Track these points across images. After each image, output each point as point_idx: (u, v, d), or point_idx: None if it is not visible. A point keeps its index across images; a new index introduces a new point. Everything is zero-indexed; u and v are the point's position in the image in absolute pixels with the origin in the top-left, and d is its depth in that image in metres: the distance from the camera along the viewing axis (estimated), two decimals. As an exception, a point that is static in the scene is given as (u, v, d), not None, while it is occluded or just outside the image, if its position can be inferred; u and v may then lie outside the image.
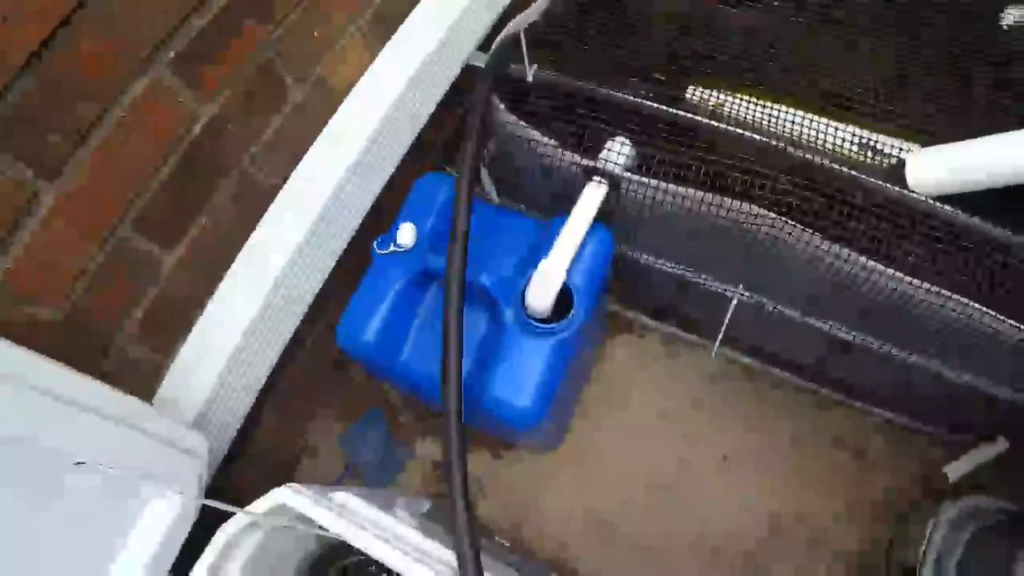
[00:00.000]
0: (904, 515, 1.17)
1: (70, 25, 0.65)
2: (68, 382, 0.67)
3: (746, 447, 1.21)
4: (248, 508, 0.78)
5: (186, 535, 0.81)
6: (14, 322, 0.69)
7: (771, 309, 0.98)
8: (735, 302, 0.97)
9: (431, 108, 1.04)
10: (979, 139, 0.83)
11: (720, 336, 1.00)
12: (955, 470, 1.16)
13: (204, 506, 0.83)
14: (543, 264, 0.83)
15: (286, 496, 0.79)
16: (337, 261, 1.00)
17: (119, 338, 0.82)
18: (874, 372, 1.06)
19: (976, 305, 0.84)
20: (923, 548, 1.05)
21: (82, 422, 0.67)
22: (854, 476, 1.19)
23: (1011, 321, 0.84)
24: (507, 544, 1.17)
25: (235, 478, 1.02)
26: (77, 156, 0.70)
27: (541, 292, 0.82)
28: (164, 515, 0.78)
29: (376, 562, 0.99)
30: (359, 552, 1.00)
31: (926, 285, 0.84)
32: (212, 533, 0.80)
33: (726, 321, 0.98)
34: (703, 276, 1.00)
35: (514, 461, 1.23)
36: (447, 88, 1.04)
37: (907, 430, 1.21)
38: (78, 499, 0.72)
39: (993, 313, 0.84)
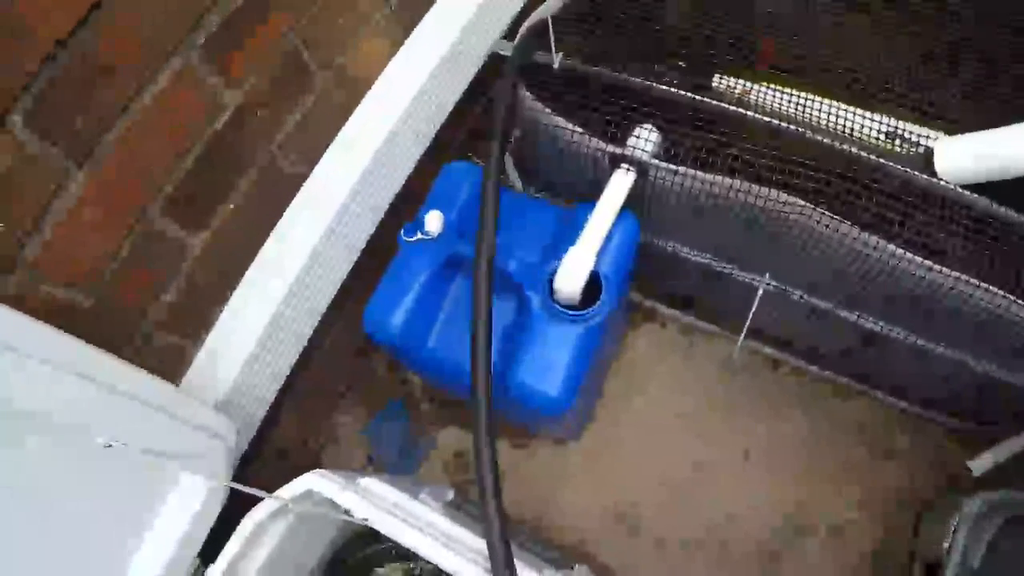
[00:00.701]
0: (927, 509, 1.16)
1: (101, 8, 0.65)
2: (96, 362, 0.66)
3: (766, 440, 1.21)
4: (276, 493, 0.78)
5: (214, 519, 0.81)
6: (42, 306, 0.69)
7: (797, 299, 0.97)
8: (761, 292, 0.96)
9: (455, 99, 1.04)
10: (1009, 127, 0.83)
11: (745, 329, 1.00)
12: (980, 465, 1.15)
13: (227, 504, 0.83)
14: (573, 250, 0.82)
15: (314, 481, 0.79)
16: (357, 257, 1.00)
17: (145, 324, 0.82)
18: (899, 363, 1.06)
19: (1004, 294, 0.83)
20: (947, 544, 1.04)
21: (110, 402, 0.67)
22: (874, 470, 1.19)
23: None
24: (527, 531, 1.16)
25: (253, 480, 1.02)
26: (106, 140, 0.70)
27: (571, 278, 0.81)
28: (192, 499, 0.78)
29: (392, 549, 1.00)
30: (378, 541, 1.01)
31: (954, 273, 0.83)
32: (235, 528, 0.80)
33: (752, 312, 0.98)
34: (729, 265, 0.99)
35: (534, 452, 1.22)
36: (471, 78, 1.04)
37: (928, 422, 1.20)
38: (107, 481, 0.72)
39: (1021, 303, 0.84)
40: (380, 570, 1.00)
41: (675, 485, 1.20)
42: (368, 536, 1.02)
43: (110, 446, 0.67)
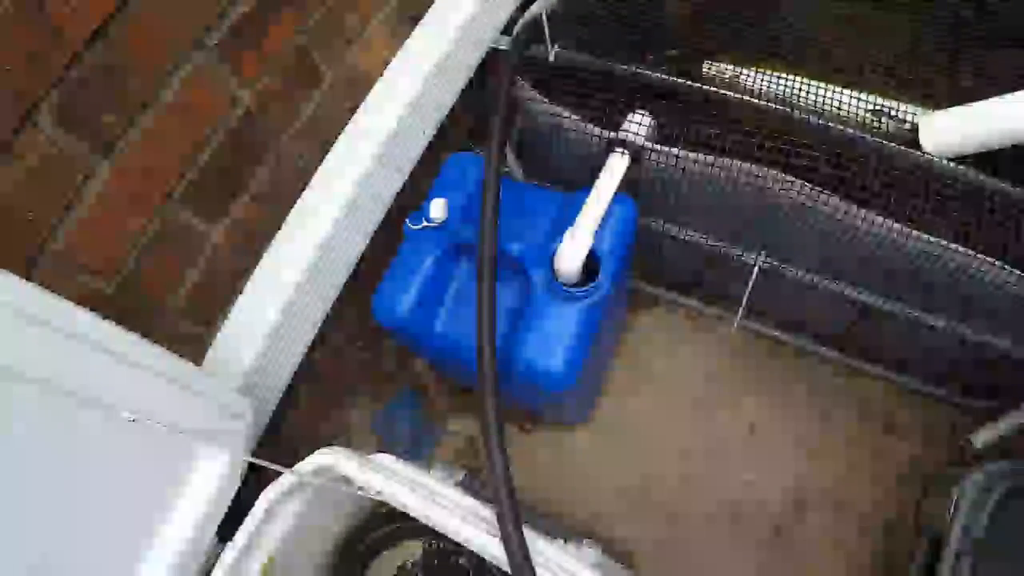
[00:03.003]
0: (930, 483, 1.18)
1: (123, 11, 0.70)
2: (123, 340, 0.70)
3: (771, 417, 1.23)
4: (292, 469, 0.81)
5: (233, 496, 0.84)
6: (71, 291, 0.73)
7: (792, 275, 1.00)
8: (756, 269, 0.99)
9: (456, 92, 1.08)
10: (988, 100, 0.86)
11: (743, 305, 1.03)
12: (981, 437, 1.17)
13: (242, 489, 0.86)
14: (572, 229, 0.86)
15: (329, 457, 0.82)
16: (366, 246, 1.04)
17: (167, 310, 0.86)
18: (899, 338, 1.08)
19: (994, 261, 0.86)
20: (950, 515, 1.06)
21: (136, 379, 0.70)
22: (880, 444, 1.21)
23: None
24: (537, 512, 1.19)
25: (263, 474, 1.05)
26: (129, 135, 0.75)
27: (570, 256, 0.85)
28: (213, 476, 0.81)
29: (401, 531, 1.03)
30: (388, 523, 1.04)
31: (942, 242, 0.86)
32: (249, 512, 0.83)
33: (748, 289, 1.00)
34: (724, 244, 1.02)
35: (542, 436, 1.25)
36: (471, 72, 1.08)
37: (933, 398, 1.22)
38: (132, 458, 0.75)
39: (1013, 270, 0.86)
40: (386, 552, 1.03)
41: (682, 464, 1.22)
42: (378, 519, 1.05)
43: (134, 421, 0.71)
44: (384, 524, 1.03)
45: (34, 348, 0.61)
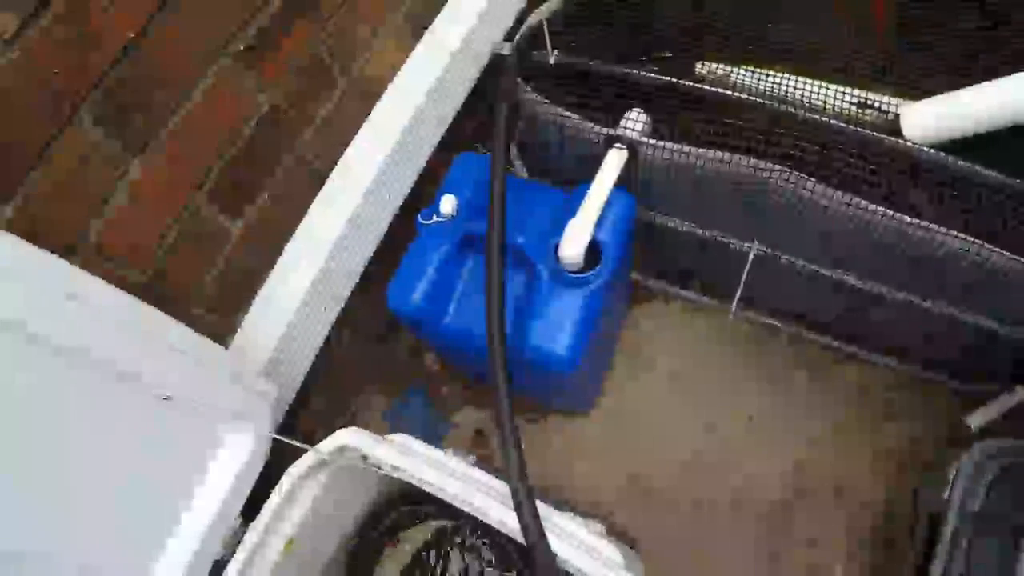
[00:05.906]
0: (928, 464, 1.21)
1: (156, 20, 0.75)
2: (160, 322, 0.75)
3: (770, 405, 1.26)
4: (316, 447, 0.86)
5: (257, 475, 0.88)
6: (108, 281, 0.78)
7: (787, 262, 1.05)
8: (751, 257, 1.04)
9: (463, 95, 1.14)
10: (963, 90, 0.91)
11: (738, 294, 1.07)
12: (977, 419, 1.20)
13: (262, 473, 0.90)
14: (574, 219, 0.91)
15: (349, 436, 0.86)
16: (377, 246, 1.09)
17: (192, 301, 0.91)
18: (894, 323, 1.11)
19: (975, 240, 0.90)
20: (947, 493, 1.08)
21: (169, 359, 0.75)
22: (878, 429, 1.24)
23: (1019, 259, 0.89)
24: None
25: (282, 460, 1.09)
26: (159, 135, 0.80)
27: (573, 242, 0.90)
28: (239, 455, 0.85)
29: (417, 512, 1.06)
30: (406, 504, 1.07)
31: (923, 223, 0.90)
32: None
33: (743, 278, 1.05)
34: (719, 233, 1.07)
35: (548, 425, 1.29)
36: (477, 76, 1.15)
37: (929, 382, 1.25)
38: (161, 438, 0.79)
39: (1002, 252, 0.90)
40: (403, 534, 1.07)
41: (683, 453, 1.25)
42: (395, 502, 1.09)
43: (168, 398, 0.76)
44: (400, 506, 1.07)
45: (78, 326, 0.66)
